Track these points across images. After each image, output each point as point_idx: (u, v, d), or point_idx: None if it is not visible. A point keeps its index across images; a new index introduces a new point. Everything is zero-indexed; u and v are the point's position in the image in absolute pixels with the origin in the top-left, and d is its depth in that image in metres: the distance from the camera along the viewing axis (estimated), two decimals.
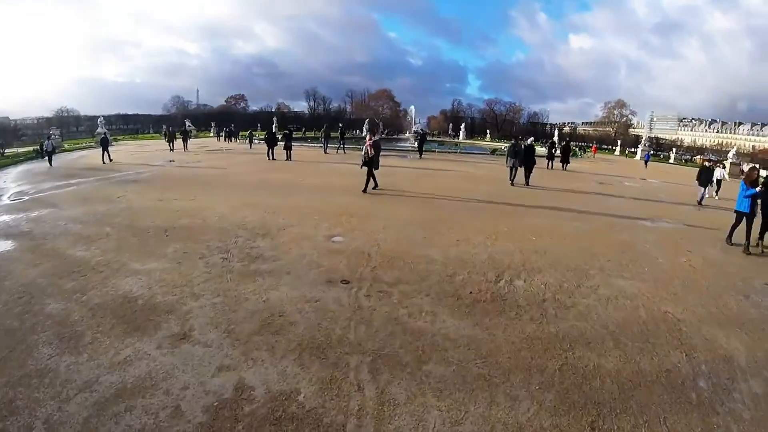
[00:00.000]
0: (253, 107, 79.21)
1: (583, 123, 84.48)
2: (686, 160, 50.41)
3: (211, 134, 44.98)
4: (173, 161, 18.82)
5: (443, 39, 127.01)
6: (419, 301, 4.32)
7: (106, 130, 30.32)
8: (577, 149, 40.57)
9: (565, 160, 21.65)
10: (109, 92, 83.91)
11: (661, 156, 51.65)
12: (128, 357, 3.35)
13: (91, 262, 5.40)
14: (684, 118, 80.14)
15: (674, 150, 50.15)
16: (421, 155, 23.93)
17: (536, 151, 15.92)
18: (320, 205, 9.02)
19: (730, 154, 32.74)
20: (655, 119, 79.20)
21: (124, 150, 25.28)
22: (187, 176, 13.96)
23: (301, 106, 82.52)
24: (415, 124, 45.21)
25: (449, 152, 31.00)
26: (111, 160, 18.45)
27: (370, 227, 7.23)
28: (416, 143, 26.64)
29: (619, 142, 54.03)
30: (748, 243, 7.33)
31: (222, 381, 3.05)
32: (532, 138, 19.64)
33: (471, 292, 4.59)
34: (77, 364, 3.22)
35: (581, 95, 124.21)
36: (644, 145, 42.08)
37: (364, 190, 10.61)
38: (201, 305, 4.22)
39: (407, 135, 44.37)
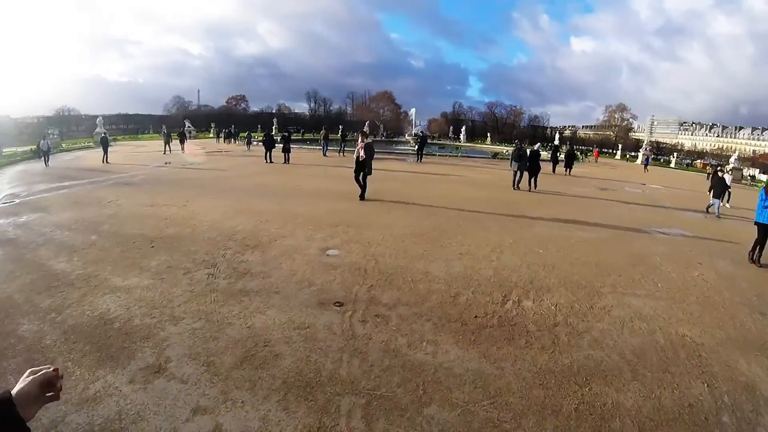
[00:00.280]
0: (254, 108, 79.20)
1: (583, 126, 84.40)
2: (687, 165, 50.24)
3: (211, 135, 44.62)
4: (169, 163, 18.47)
5: (445, 40, 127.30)
6: (420, 327, 3.93)
7: (105, 130, 30.02)
8: (579, 154, 40.43)
9: (569, 165, 21.80)
10: (112, 91, 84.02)
11: (662, 160, 51.48)
12: (98, 393, 2.99)
13: (71, 276, 5.08)
14: (684, 122, 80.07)
15: (675, 154, 49.88)
16: (420, 159, 23.28)
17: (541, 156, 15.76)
18: (316, 212, 8.64)
19: (731, 159, 32.54)
20: (655, 123, 79.15)
21: (121, 151, 24.96)
22: (181, 179, 13.61)
23: (301, 107, 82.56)
24: (415, 126, 44.79)
25: (450, 155, 30.67)
26: (107, 162, 18.19)
27: (368, 238, 6.85)
28: (416, 146, 25.78)
29: (620, 146, 53.81)
30: (760, 254, 7.06)
31: (196, 427, 2.67)
32: (539, 144, 19.54)
33: (476, 316, 4.21)
34: None
35: (582, 98, 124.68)
36: (645, 149, 41.84)
37: (362, 197, 10.18)
38: (180, 331, 3.84)
39: (407, 137, 43.95)
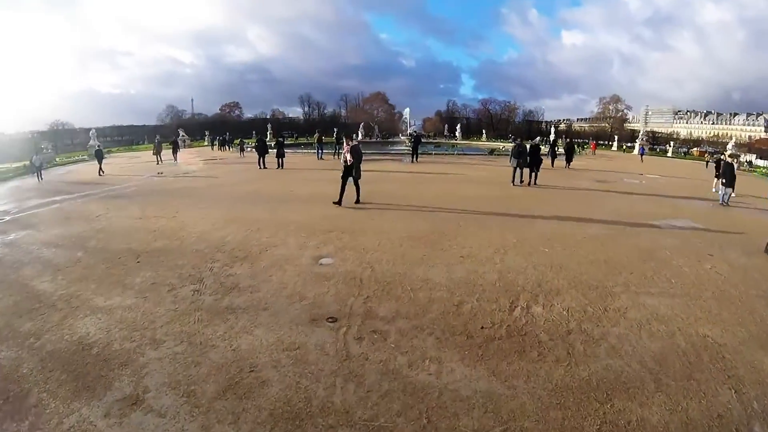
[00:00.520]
0: (248, 114, 78.88)
1: (578, 119, 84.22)
2: (684, 153, 50.09)
3: (206, 143, 44.41)
4: (162, 173, 18.26)
5: (435, 39, 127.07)
6: (421, 342, 3.58)
7: (99, 143, 29.72)
8: (577, 147, 40.32)
9: (569, 159, 21.80)
10: (105, 103, 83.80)
11: (658, 150, 51.33)
12: (72, 428, 2.73)
13: (53, 297, 4.83)
14: (679, 111, 80.00)
15: (671, 143, 49.72)
16: (416, 159, 22.80)
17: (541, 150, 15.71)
18: (309, 218, 8.31)
19: (729, 146, 32.37)
20: (650, 113, 79.06)
21: (114, 162, 24.74)
22: (172, 189, 13.33)
23: (296, 111, 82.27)
24: (410, 126, 44.47)
25: (446, 154, 30.35)
26: (103, 173, 18.24)
27: (363, 244, 6.51)
28: (410, 146, 25.25)
29: (616, 137, 53.63)
30: None
31: None
32: (539, 138, 19.51)
33: (483, 327, 3.86)
34: None
35: (575, 91, 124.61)
36: (642, 139, 41.66)
37: (338, 202, 9.54)
38: (160, 356, 3.52)
39: (401, 137, 43.63)
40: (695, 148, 56.29)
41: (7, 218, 9.54)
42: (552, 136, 39.95)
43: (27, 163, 20.73)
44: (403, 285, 4.84)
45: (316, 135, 25.67)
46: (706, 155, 39.27)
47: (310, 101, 79.28)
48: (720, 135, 67.82)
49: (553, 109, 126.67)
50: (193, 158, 26.76)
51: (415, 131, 37.62)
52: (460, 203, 10.24)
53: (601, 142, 54.19)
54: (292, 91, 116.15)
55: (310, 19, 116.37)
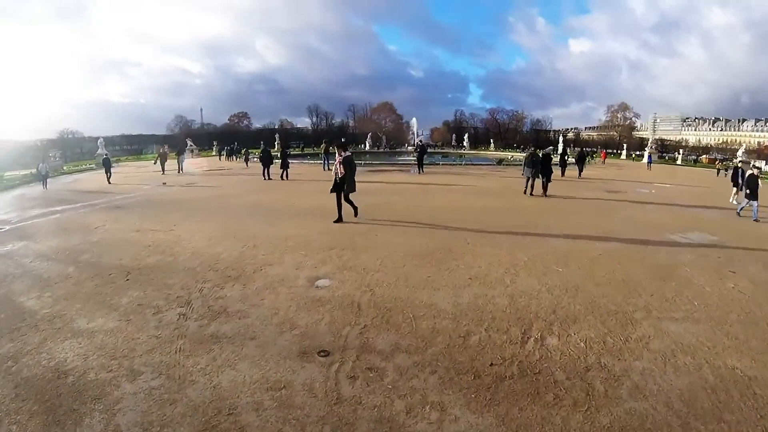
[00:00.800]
0: (257, 124, 79.60)
1: (586, 128, 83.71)
2: (694, 161, 49.25)
3: (214, 153, 44.84)
4: (166, 183, 18.27)
5: (442, 48, 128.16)
6: (422, 383, 3.19)
7: (107, 152, 29.97)
8: (587, 156, 39.95)
9: (580, 168, 21.71)
10: (115, 113, 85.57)
11: (667, 158, 50.57)
12: None
13: (37, 315, 4.61)
14: (687, 118, 79.09)
15: (680, 151, 48.98)
16: (421, 170, 22.16)
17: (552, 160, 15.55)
18: (309, 234, 7.99)
19: (739, 152, 31.64)
20: (658, 120, 78.11)
21: (123, 171, 24.97)
22: (174, 200, 13.20)
23: (304, 122, 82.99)
24: (417, 136, 44.34)
25: (454, 164, 30.01)
26: (110, 182, 18.46)
27: (364, 264, 6.15)
28: (416, 157, 24.02)
29: (624, 145, 53.03)
30: None
31: None
32: (550, 147, 19.30)
33: (492, 364, 3.46)
34: None
35: (583, 99, 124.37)
36: (651, 147, 41.03)
37: (338, 220, 8.94)
38: (136, 390, 3.21)
39: (407, 147, 43.44)
40: (704, 156, 55.34)
41: (7, 228, 9.47)
42: (561, 145, 39.47)
43: (34, 170, 20.95)
44: (405, 312, 4.46)
45: (323, 145, 25.46)
46: (717, 163, 38.50)
47: (318, 111, 79.87)
48: (729, 141, 66.84)
49: (562, 117, 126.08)
50: (199, 168, 26.81)
51: (420, 141, 37.39)
52: (468, 216, 9.88)
53: (610, 151, 53.58)
54: (299, 101, 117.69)
55: (316, 30, 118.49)
